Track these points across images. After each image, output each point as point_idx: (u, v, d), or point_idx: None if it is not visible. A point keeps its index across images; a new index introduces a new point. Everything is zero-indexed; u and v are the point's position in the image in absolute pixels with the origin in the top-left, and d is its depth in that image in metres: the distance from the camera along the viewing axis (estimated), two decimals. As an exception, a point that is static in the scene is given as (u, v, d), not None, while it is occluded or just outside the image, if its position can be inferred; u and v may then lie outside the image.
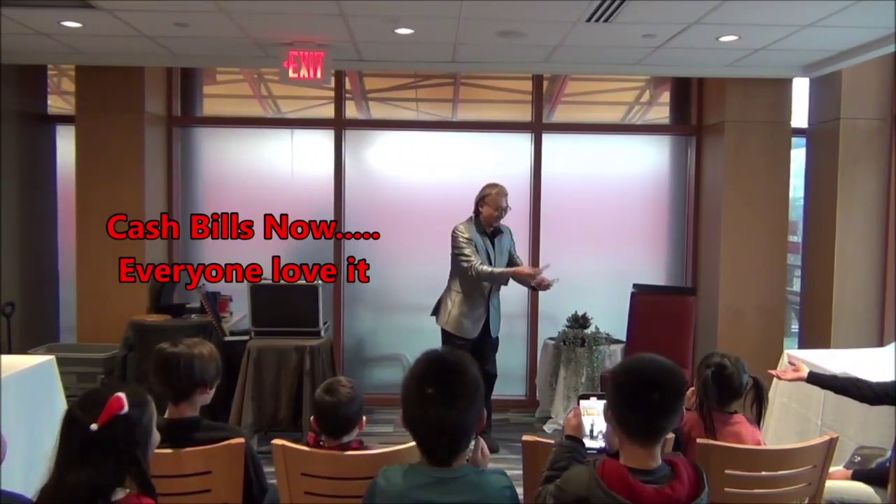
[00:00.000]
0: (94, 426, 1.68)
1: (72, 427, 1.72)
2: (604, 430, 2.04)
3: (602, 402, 2.04)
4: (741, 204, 5.45)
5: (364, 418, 2.52)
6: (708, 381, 2.67)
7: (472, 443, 1.98)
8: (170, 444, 2.26)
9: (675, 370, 1.85)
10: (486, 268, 4.60)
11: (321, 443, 2.49)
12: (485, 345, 4.77)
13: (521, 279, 4.74)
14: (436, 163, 5.93)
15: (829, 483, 2.69)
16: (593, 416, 2.13)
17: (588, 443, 2.09)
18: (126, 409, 1.73)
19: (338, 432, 2.45)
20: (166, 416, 2.39)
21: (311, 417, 2.53)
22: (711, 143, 5.72)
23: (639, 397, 1.79)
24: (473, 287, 4.68)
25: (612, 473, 1.74)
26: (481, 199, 4.71)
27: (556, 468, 1.96)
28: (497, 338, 4.88)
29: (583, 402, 2.16)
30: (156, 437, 1.88)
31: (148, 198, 5.41)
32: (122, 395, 1.74)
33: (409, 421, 1.82)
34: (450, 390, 1.78)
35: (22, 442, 3.17)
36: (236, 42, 4.62)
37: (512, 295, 5.01)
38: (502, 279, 4.66)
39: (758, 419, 2.78)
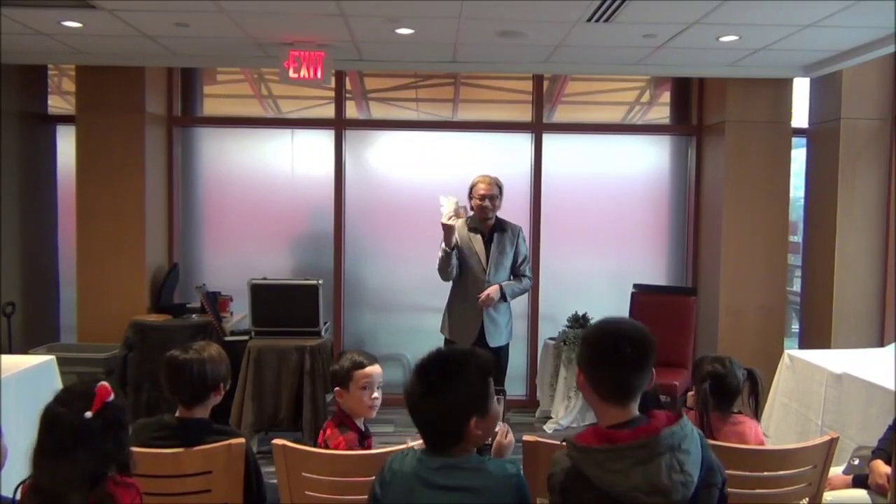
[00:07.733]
0: (88, 413, 1.75)
1: (57, 422, 1.78)
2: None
3: None
4: (741, 204, 5.45)
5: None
6: (706, 394, 2.65)
7: (497, 427, 2.07)
8: (181, 444, 2.28)
9: (644, 328, 1.87)
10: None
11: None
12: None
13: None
14: (436, 163, 5.92)
15: (829, 494, 2.68)
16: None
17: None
18: (112, 395, 1.81)
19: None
20: (177, 415, 2.40)
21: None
22: (712, 143, 5.72)
23: (612, 353, 1.80)
24: (454, 287, 4.44)
25: (588, 434, 1.78)
26: (468, 193, 4.39)
27: None
28: (501, 350, 4.44)
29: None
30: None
31: (148, 198, 5.41)
32: (105, 383, 1.82)
33: (409, 410, 1.90)
34: (438, 383, 1.84)
35: (22, 442, 3.15)
36: (236, 42, 4.62)
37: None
38: (440, 253, 4.23)
39: (755, 410, 2.78)
